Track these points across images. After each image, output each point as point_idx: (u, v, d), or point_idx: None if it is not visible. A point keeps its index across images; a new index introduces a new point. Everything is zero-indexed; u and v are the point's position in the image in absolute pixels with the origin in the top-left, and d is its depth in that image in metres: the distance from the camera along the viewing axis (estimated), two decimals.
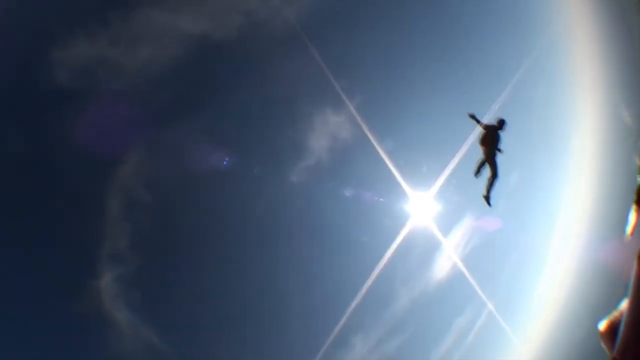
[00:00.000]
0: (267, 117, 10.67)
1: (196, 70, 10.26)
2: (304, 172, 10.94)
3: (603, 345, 1.30)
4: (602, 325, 1.30)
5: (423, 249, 12.06)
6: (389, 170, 10.46)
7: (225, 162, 10.37)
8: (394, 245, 10.92)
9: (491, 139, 6.92)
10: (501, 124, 6.95)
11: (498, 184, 7.07)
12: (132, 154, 9.77)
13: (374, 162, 10.27)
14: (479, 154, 7.05)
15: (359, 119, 10.30)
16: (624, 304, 1.26)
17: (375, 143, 10.42)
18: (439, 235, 12.32)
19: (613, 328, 1.27)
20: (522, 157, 12.49)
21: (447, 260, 12.58)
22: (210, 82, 10.57)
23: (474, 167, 7.14)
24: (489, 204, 7.14)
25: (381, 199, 11.44)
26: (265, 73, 10.65)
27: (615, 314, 1.29)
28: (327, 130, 10.80)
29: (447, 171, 9.92)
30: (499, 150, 6.95)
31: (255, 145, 10.89)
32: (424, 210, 11.71)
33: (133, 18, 10.25)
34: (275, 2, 10.58)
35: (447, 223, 12.07)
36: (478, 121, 6.85)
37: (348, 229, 11.50)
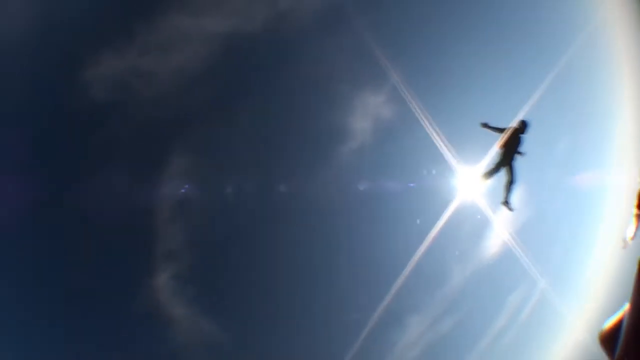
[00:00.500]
0: (309, 100, 10.73)
1: (231, 64, 10.48)
2: (351, 150, 10.97)
3: (602, 349, 1.23)
4: (602, 330, 1.24)
5: (473, 226, 11.75)
6: (437, 146, 10.28)
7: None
8: (444, 223, 10.74)
9: (512, 142, 6.43)
10: (523, 125, 6.46)
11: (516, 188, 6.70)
12: (178, 154, 10.30)
13: (420, 139, 10.04)
14: (495, 156, 6.57)
15: (404, 94, 10.12)
16: (624, 309, 1.19)
17: (421, 118, 10.21)
18: (488, 210, 11.99)
19: (613, 332, 1.21)
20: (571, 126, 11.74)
21: (497, 236, 12.19)
22: (249, 72, 10.74)
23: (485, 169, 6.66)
24: (510, 209, 6.72)
25: (429, 176, 11.19)
26: (304, 54, 10.77)
27: (614, 318, 1.22)
28: (372, 107, 10.75)
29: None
30: (520, 153, 6.48)
31: (302, 127, 10.97)
32: (473, 185, 11.58)
33: (157, 25, 10.68)
34: None
35: (497, 198, 11.76)
36: (494, 128, 6.34)
37: (396, 208, 11.36)
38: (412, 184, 11.81)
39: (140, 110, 10.31)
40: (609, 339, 1.23)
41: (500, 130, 6.40)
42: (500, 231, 12.65)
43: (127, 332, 10.88)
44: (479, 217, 11.98)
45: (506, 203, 6.77)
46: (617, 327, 1.21)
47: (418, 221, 11.61)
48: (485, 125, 6.37)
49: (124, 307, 10.55)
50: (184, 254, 10.15)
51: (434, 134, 11.00)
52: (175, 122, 10.10)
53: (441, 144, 10.86)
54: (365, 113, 10.58)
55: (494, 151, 6.52)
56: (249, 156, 10.57)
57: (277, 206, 10.51)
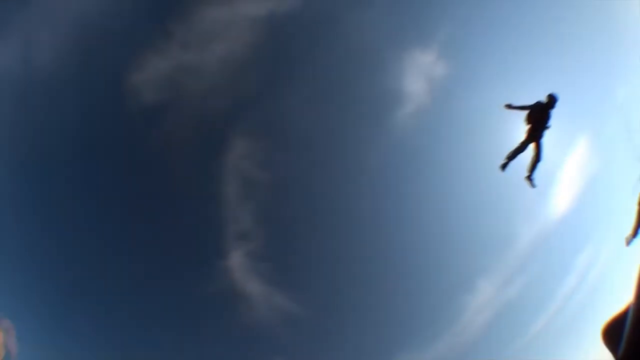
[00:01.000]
0: (360, 66, 10.63)
1: (274, 45, 10.58)
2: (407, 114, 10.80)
3: (605, 345, 1.17)
4: (604, 326, 1.19)
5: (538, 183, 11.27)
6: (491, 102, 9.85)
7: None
8: (507, 182, 10.38)
9: (539, 118, 6.22)
10: (552, 100, 6.16)
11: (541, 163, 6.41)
12: (238, 137, 10.64)
13: (473, 97, 9.62)
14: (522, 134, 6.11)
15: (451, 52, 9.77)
16: (628, 303, 1.14)
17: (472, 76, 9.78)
18: (552, 166, 11.45)
19: (616, 328, 1.16)
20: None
21: (563, 193, 11.62)
22: (294, 50, 10.78)
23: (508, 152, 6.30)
24: (532, 185, 6.47)
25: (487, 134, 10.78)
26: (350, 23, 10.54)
27: (617, 313, 1.17)
28: (423, 68, 10.44)
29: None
30: (547, 127, 6.18)
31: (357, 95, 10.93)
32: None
33: (193, 19, 10.91)
34: None
35: (559, 153, 11.11)
36: (520, 107, 6.03)
37: (456, 168, 11.11)
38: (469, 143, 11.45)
39: (193, 104, 10.76)
40: (611, 335, 1.19)
41: (527, 108, 6.15)
42: (565, 187, 12.07)
43: (205, 312, 11.76)
44: (541, 174, 11.49)
45: (529, 179, 6.58)
46: (621, 323, 1.17)
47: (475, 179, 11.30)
48: (509, 106, 6.15)
49: (200, 286, 11.36)
50: (255, 233, 10.71)
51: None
52: (230, 110, 10.43)
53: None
54: (418, 73, 10.29)
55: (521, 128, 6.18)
56: (307, 133, 10.71)
57: (340, 178, 10.67)
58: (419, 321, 11.73)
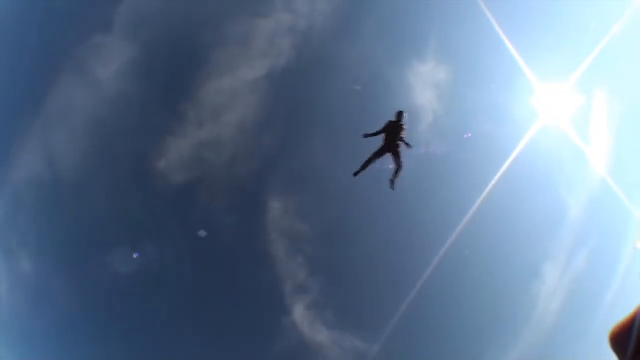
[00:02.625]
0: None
1: (284, 99, 10.84)
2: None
3: (613, 350, 1.15)
4: (612, 330, 1.15)
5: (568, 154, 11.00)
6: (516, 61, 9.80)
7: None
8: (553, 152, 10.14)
9: (393, 133, 6.96)
10: (399, 116, 6.96)
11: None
12: (272, 196, 10.88)
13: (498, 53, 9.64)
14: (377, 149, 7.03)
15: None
16: (637, 308, 1.11)
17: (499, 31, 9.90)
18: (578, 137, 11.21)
19: (625, 332, 1.14)
20: None
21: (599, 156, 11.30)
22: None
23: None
24: (393, 188, 7.25)
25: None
26: None
27: (626, 319, 1.14)
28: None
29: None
30: (407, 144, 6.96)
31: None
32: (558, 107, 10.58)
33: (200, 96, 11.35)
34: None
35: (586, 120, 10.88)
36: (376, 133, 6.90)
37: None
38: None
39: (221, 175, 11.09)
40: (620, 340, 1.14)
41: (381, 131, 6.94)
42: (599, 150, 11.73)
43: None
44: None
45: (391, 183, 7.32)
46: (629, 328, 1.13)
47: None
48: (366, 135, 7.00)
49: (271, 348, 11.35)
50: (312, 284, 10.75)
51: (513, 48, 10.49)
52: (258, 172, 10.72)
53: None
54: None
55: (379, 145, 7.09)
56: (335, 175, 10.83)
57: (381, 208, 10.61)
58: (495, 324, 11.40)
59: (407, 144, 6.93)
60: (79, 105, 12.12)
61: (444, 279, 10.88)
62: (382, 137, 6.93)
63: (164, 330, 10.88)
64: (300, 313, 10.86)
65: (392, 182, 7.26)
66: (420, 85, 11.12)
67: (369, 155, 7.11)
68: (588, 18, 10.84)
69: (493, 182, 10.99)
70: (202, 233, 11.03)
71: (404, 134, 6.88)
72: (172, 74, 11.62)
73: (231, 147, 10.80)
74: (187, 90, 11.10)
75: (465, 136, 11.51)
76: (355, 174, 7.30)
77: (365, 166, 7.17)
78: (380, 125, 6.90)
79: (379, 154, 7.08)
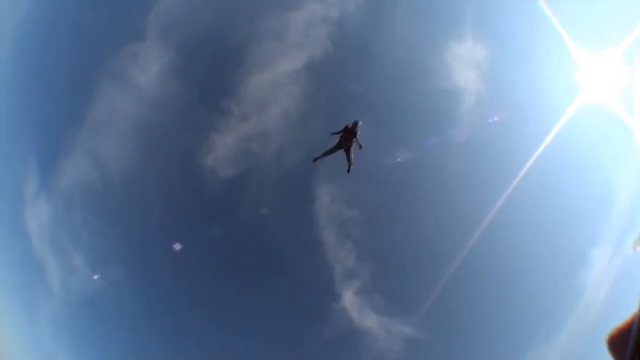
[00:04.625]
0: None
1: (325, 89, 10.98)
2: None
3: (611, 354, 1.17)
4: (610, 334, 1.17)
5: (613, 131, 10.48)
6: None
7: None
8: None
9: (348, 136, 8.65)
10: (354, 125, 8.57)
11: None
12: (321, 183, 11.09)
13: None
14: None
15: None
16: (635, 313, 1.13)
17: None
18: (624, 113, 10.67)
19: (622, 337, 1.15)
20: None
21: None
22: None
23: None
24: (348, 171, 9.01)
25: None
26: None
27: (624, 323, 1.15)
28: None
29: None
30: (356, 143, 8.62)
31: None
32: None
33: (243, 91, 11.54)
34: None
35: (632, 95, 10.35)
36: (337, 132, 8.60)
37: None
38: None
39: (270, 166, 11.34)
40: (618, 344, 1.16)
41: (341, 131, 8.64)
42: None
43: (331, 356, 11.84)
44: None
45: (348, 171, 9.20)
46: (627, 332, 1.15)
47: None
48: (332, 134, 8.69)
49: (321, 333, 11.57)
50: (361, 270, 10.88)
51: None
52: (305, 160, 10.88)
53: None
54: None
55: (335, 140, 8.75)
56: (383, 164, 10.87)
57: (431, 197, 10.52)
58: (540, 310, 11.10)
59: (359, 145, 8.69)
60: (122, 110, 12.62)
61: (487, 263, 10.75)
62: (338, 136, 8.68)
63: (225, 312, 11.34)
64: (349, 298, 11.05)
65: (348, 170, 9.16)
66: (459, 66, 10.96)
67: (326, 149, 8.86)
68: None
69: (531, 160, 10.70)
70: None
71: (355, 138, 8.64)
72: (211, 73, 11.97)
73: (277, 137, 11.11)
74: (229, 87, 11.42)
75: (491, 120, 11.22)
76: (314, 159, 9.05)
77: (323, 156, 8.96)
78: (340, 127, 8.58)
79: (333, 150, 8.86)
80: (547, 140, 10.76)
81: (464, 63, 10.88)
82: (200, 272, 11.54)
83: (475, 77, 10.86)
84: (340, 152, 9.00)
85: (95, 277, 11.88)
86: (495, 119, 11.43)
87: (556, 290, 11.15)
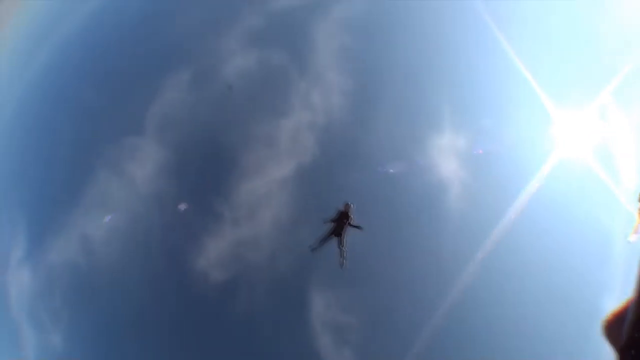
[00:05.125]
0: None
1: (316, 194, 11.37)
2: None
3: (606, 340, 1.19)
4: (605, 320, 1.20)
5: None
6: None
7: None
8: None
9: (341, 220, 8.72)
10: (347, 207, 8.71)
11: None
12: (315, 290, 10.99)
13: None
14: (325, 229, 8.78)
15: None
16: (630, 298, 1.17)
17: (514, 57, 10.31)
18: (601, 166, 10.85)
19: (617, 323, 1.18)
20: None
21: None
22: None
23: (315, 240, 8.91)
24: (341, 266, 8.84)
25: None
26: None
27: (619, 308, 1.19)
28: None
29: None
30: (357, 227, 8.63)
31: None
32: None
33: (236, 196, 11.98)
34: None
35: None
36: (330, 219, 8.72)
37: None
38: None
39: (261, 273, 11.37)
40: (613, 330, 1.19)
41: (333, 219, 8.72)
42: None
43: None
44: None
45: (342, 264, 8.95)
46: (622, 317, 1.17)
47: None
48: (325, 221, 8.77)
49: None
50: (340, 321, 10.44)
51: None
52: (299, 267, 11.00)
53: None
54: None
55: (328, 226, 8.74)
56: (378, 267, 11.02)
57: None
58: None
59: (356, 227, 8.55)
60: (116, 200, 12.91)
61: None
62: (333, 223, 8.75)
63: None
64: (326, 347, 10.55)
65: (342, 263, 8.83)
66: (443, 155, 11.51)
67: (321, 236, 8.76)
68: (610, 46, 11.06)
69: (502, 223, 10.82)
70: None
71: (350, 221, 8.57)
72: (204, 175, 12.46)
73: (268, 243, 11.30)
74: (221, 190, 11.83)
75: (475, 152, 11.63)
76: (312, 250, 8.93)
77: (320, 244, 8.78)
78: (335, 213, 8.61)
79: (328, 235, 8.83)
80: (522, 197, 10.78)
81: (447, 152, 11.44)
82: None
83: (458, 167, 11.38)
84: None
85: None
86: (479, 151, 11.64)
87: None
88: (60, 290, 11.95)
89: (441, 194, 11.42)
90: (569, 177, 10.80)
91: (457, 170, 11.80)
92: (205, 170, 12.45)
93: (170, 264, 12.46)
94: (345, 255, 8.95)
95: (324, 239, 8.99)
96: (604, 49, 11.32)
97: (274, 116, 12.25)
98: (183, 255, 12.14)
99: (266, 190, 11.48)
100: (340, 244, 8.91)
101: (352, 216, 8.81)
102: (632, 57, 10.44)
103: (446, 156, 11.87)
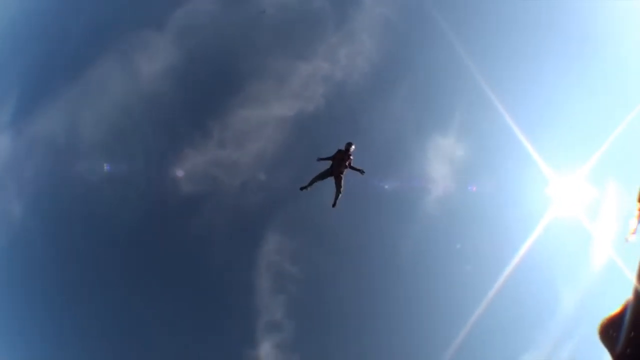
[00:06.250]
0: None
1: (305, 143, 11.32)
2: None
3: (602, 343, 1.20)
4: (601, 323, 1.21)
5: (574, 243, 11.07)
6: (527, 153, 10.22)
7: None
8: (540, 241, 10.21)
9: (340, 160, 7.80)
10: (348, 147, 7.79)
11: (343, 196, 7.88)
12: (272, 231, 11.20)
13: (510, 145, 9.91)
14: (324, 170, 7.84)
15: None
16: (626, 302, 1.17)
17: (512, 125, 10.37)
18: (589, 224, 11.29)
19: (613, 326, 1.18)
20: None
21: (601, 253, 11.34)
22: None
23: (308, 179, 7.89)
24: (334, 205, 8.05)
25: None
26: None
27: (615, 312, 1.19)
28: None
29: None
30: (358, 170, 7.73)
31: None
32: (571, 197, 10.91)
33: (229, 119, 11.82)
34: None
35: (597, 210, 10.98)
36: (326, 158, 7.81)
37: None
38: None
39: (229, 198, 11.43)
40: (609, 333, 1.19)
41: (331, 157, 7.80)
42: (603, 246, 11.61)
43: None
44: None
45: (334, 203, 8.14)
46: (618, 321, 1.18)
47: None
48: (319, 159, 7.87)
49: None
50: (286, 325, 10.86)
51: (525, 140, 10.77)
52: (264, 205, 11.07)
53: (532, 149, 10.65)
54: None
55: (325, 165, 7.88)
56: (337, 229, 11.14)
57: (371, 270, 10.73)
58: None
59: (357, 169, 7.72)
60: (114, 87, 12.64)
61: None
62: (329, 162, 7.80)
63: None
64: (267, 349, 10.96)
65: (334, 203, 8.10)
66: (438, 159, 11.52)
67: (314, 175, 7.95)
68: (599, 112, 11.26)
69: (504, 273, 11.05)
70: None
71: (349, 162, 7.76)
72: (207, 90, 12.24)
73: (245, 173, 11.26)
74: (218, 110, 11.67)
75: (470, 188, 11.75)
76: (302, 188, 8.05)
77: (311, 183, 8.01)
78: (331, 152, 7.81)
79: (324, 176, 7.94)
80: (517, 255, 11.09)
81: (443, 158, 11.47)
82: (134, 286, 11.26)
83: (449, 174, 11.43)
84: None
85: None
86: (473, 188, 11.77)
87: None
88: (33, 165, 11.72)
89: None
90: (560, 234, 11.13)
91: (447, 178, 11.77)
92: (210, 85, 12.22)
93: (148, 165, 12.35)
94: (339, 197, 8.04)
95: (317, 178, 8.02)
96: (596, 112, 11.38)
97: (294, 57, 11.94)
98: (162, 158, 12.05)
99: (261, 123, 11.36)
100: (337, 186, 7.99)
101: (352, 157, 7.75)
102: (622, 121, 10.59)
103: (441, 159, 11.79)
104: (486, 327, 11.32)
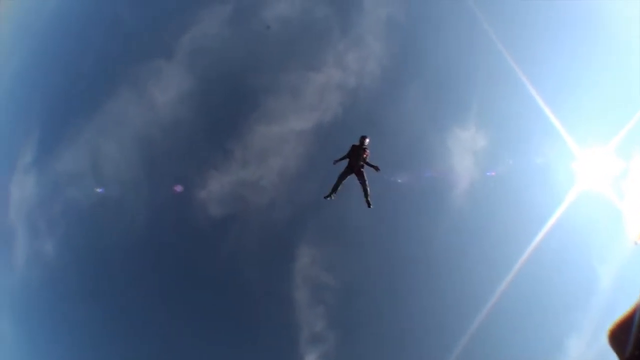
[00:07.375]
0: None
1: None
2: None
3: (612, 347, 1.18)
4: (612, 327, 1.18)
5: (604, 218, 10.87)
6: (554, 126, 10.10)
7: None
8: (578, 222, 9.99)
9: (356, 155, 7.52)
10: (362, 140, 7.52)
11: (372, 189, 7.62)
12: (304, 244, 11.32)
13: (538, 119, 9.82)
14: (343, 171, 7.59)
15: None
16: (635, 306, 1.15)
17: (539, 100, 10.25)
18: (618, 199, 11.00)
19: (624, 330, 1.16)
20: None
21: (633, 226, 11.08)
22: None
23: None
24: (369, 206, 7.74)
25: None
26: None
27: (625, 316, 1.17)
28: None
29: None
30: (372, 166, 7.41)
31: None
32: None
33: (249, 138, 11.93)
34: None
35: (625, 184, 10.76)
36: (342, 157, 7.54)
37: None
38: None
39: (258, 216, 11.53)
40: (619, 337, 1.17)
41: (346, 155, 7.49)
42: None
43: None
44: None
45: (367, 202, 7.81)
46: (628, 325, 1.16)
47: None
48: (335, 161, 7.57)
49: None
50: (328, 336, 10.95)
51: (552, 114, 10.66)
52: (293, 219, 11.16)
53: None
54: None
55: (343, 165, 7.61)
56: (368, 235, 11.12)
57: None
58: None
59: (372, 166, 7.36)
60: (132, 119, 12.89)
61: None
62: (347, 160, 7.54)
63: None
64: None
65: (367, 202, 7.77)
66: (460, 151, 11.46)
67: (334, 182, 7.71)
68: (627, 84, 11.06)
69: (529, 249, 10.94)
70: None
71: (365, 156, 7.43)
72: (224, 111, 12.42)
73: (270, 190, 11.39)
74: (237, 130, 11.82)
75: (489, 174, 11.62)
76: (326, 197, 7.79)
77: (334, 188, 7.70)
78: (345, 152, 7.57)
79: (344, 175, 7.65)
80: (544, 229, 10.94)
81: (465, 148, 11.40)
82: (162, 303, 11.46)
83: (473, 163, 11.35)
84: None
85: None
86: (492, 173, 11.64)
87: None
88: (61, 201, 12.03)
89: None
90: (588, 209, 10.99)
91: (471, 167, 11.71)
92: (226, 106, 12.41)
93: (173, 191, 12.53)
94: (369, 193, 7.67)
95: (338, 182, 7.69)
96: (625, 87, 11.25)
97: (305, 68, 12.06)
98: (187, 183, 12.23)
99: (281, 138, 11.47)
100: (362, 182, 7.65)
101: (368, 151, 7.43)
102: None
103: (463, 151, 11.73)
104: (528, 311, 11.16)
